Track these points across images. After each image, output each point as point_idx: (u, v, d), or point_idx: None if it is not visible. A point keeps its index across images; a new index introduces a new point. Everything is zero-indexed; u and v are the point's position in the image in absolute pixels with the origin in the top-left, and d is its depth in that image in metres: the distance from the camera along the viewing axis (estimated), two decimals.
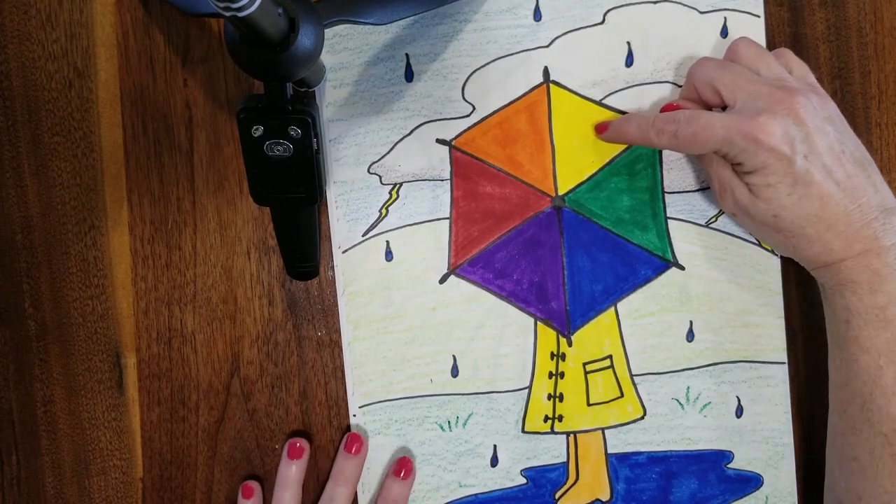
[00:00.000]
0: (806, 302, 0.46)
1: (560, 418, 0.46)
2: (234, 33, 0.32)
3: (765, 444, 0.46)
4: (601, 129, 0.44)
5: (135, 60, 0.46)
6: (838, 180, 0.37)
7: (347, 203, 0.46)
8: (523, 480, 0.47)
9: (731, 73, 0.39)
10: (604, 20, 0.45)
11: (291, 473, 0.45)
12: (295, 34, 0.32)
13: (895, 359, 0.37)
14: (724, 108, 0.40)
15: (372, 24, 0.39)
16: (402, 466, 0.45)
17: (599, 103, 0.45)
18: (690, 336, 0.46)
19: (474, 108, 0.45)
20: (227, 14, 0.27)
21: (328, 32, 0.39)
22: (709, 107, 0.41)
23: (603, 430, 0.46)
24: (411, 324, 0.46)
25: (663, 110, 0.42)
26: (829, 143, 0.37)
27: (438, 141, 0.46)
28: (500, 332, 0.46)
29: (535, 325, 0.46)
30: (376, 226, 0.46)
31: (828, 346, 0.41)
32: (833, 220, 0.37)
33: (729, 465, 0.46)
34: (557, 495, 0.46)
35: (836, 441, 0.40)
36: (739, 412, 0.46)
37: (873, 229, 0.37)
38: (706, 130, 0.38)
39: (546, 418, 0.46)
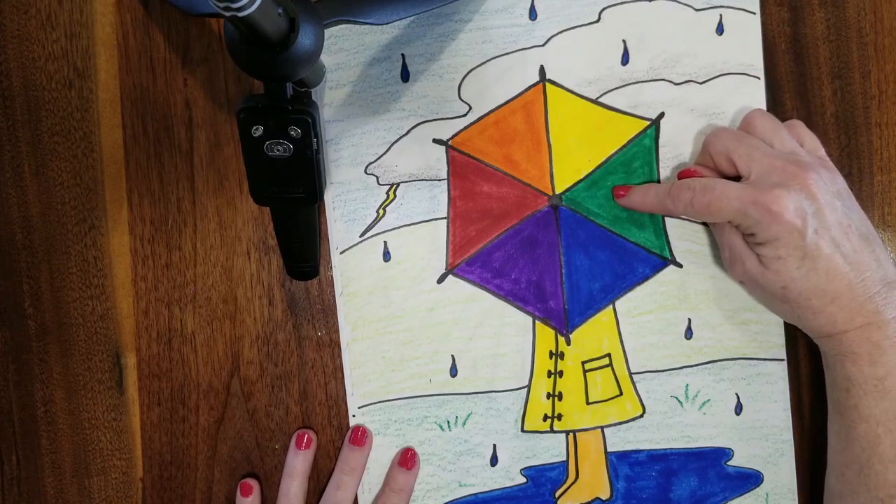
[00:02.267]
0: None
1: (559, 417, 0.46)
2: (234, 33, 0.32)
3: (764, 442, 0.46)
4: (620, 193, 0.45)
5: (135, 60, 0.46)
6: (845, 254, 0.38)
7: (345, 204, 0.46)
8: (523, 479, 0.47)
9: (746, 146, 0.41)
10: (599, 18, 0.45)
11: (298, 463, 0.46)
12: (295, 34, 0.33)
13: (892, 427, 0.38)
14: (738, 177, 0.41)
15: (372, 24, 0.39)
16: (407, 456, 0.46)
17: (595, 101, 0.45)
18: (689, 333, 0.46)
19: (470, 108, 0.45)
20: (227, 14, 0.27)
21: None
22: (724, 175, 0.42)
23: (602, 428, 0.46)
24: (410, 324, 0.46)
25: (680, 175, 0.43)
26: (837, 217, 0.39)
27: (435, 141, 0.46)
28: (499, 332, 0.46)
29: (534, 324, 0.46)
30: (374, 226, 0.46)
31: (828, 408, 0.42)
32: (838, 294, 0.39)
33: (729, 463, 0.46)
34: (557, 494, 0.46)
35: (834, 502, 0.41)
36: (739, 409, 0.46)
37: (875, 303, 0.38)
38: (721, 201, 0.39)
39: (545, 417, 0.46)
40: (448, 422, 0.46)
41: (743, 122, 0.43)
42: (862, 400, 0.39)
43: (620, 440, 0.46)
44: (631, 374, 0.46)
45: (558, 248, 0.46)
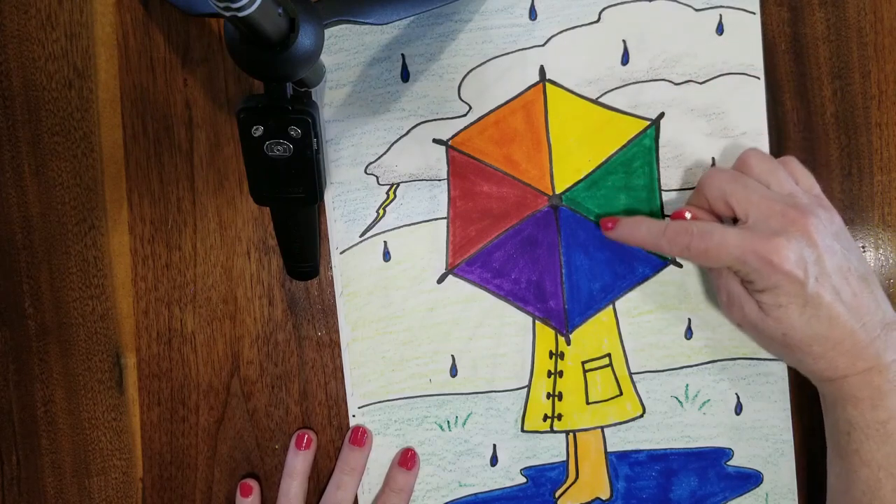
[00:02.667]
0: None
1: (559, 417, 0.46)
2: (234, 33, 0.32)
3: (764, 441, 0.46)
4: (608, 226, 0.43)
5: (135, 60, 0.46)
6: (845, 300, 0.38)
7: (345, 204, 0.46)
8: (523, 479, 0.47)
9: (742, 188, 0.40)
10: (599, 18, 0.45)
11: (298, 464, 0.46)
12: (295, 34, 0.33)
13: (894, 472, 0.38)
14: (734, 219, 0.40)
15: (372, 24, 0.39)
16: (406, 456, 0.46)
17: (595, 102, 0.45)
18: (689, 333, 0.46)
19: (470, 108, 0.45)
20: (227, 14, 0.27)
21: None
22: (720, 217, 0.41)
23: (602, 428, 0.46)
24: (410, 324, 0.46)
25: (673, 216, 0.42)
26: (837, 262, 0.38)
27: (435, 141, 0.46)
28: (499, 332, 0.46)
29: (534, 324, 0.46)
30: (374, 226, 0.46)
31: (828, 450, 0.42)
32: (839, 340, 0.38)
33: (729, 463, 0.46)
34: (557, 494, 0.46)
35: None
36: (739, 409, 0.46)
37: (876, 347, 0.38)
38: (719, 248, 0.39)
39: (545, 417, 0.46)
40: (448, 422, 0.46)
41: (738, 162, 0.42)
42: (863, 444, 0.39)
43: (620, 440, 0.46)
44: (631, 374, 0.46)
45: (558, 248, 0.46)
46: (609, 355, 0.46)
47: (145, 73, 0.46)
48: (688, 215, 0.41)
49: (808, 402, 0.46)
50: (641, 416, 0.46)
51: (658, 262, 0.46)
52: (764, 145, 0.45)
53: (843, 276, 0.38)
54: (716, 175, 0.41)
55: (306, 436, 0.46)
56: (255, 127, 0.36)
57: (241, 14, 0.27)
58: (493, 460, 0.46)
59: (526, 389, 0.46)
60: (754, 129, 0.45)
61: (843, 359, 0.38)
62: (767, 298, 0.39)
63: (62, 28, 0.46)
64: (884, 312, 0.39)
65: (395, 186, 0.46)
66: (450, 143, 0.46)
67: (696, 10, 0.45)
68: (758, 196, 0.39)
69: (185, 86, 0.46)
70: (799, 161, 0.42)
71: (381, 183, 0.46)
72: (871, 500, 0.38)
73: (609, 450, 0.46)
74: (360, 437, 0.46)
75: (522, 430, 0.46)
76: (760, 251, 0.37)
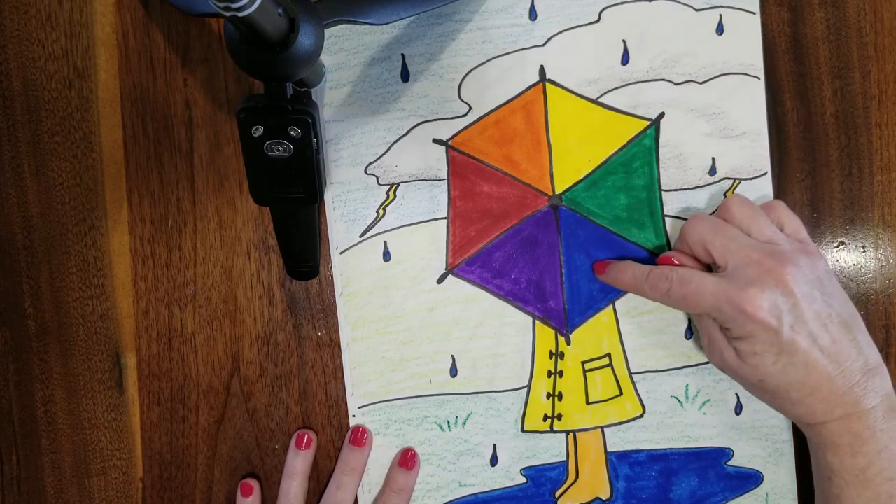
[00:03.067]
0: None
1: (559, 417, 0.46)
2: (234, 33, 0.32)
3: (764, 441, 0.46)
4: (599, 270, 0.45)
5: (135, 60, 0.46)
6: (823, 347, 0.38)
7: (345, 204, 0.46)
8: (523, 479, 0.47)
9: (722, 237, 0.40)
10: (599, 18, 0.45)
11: (298, 464, 0.46)
12: (295, 34, 0.33)
13: None
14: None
15: (372, 24, 0.39)
16: (406, 457, 0.46)
17: (595, 102, 0.45)
18: (689, 333, 0.46)
19: (471, 108, 0.45)
20: (227, 14, 0.27)
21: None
22: (702, 263, 0.42)
23: (602, 428, 0.46)
24: (410, 324, 0.46)
25: (659, 262, 0.43)
26: (816, 309, 0.38)
27: (435, 141, 0.46)
28: (499, 332, 0.46)
29: (534, 324, 0.46)
30: (374, 226, 0.46)
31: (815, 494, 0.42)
32: (817, 387, 0.38)
33: (728, 463, 0.46)
34: (557, 494, 0.46)
35: None
36: (739, 409, 0.46)
37: (855, 394, 0.38)
38: (697, 295, 0.39)
39: (545, 417, 0.46)
40: (448, 422, 0.46)
41: (720, 209, 0.43)
42: (844, 491, 0.39)
43: (620, 440, 0.46)
44: (631, 374, 0.46)
45: (558, 248, 0.46)
46: (609, 355, 0.46)
47: (145, 73, 0.46)
48: (675, 261, 0.42)
49: None
50: (641, 416, 0.46)
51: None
52: (764, 145, 0.45)
53: (821, 323, 0.38)
54: (697, 223, 0.42)
55: (306, 436, 0.46)
56: (255, 127, 0.36)
57: (241, 14, 0.27)
58: (493, 460, 0.46)
59: (526, 389, 0.46)
60: (754, 129, 0.45)
61: (820, 405, 0.39)
62: (743, 346, 0.39)
63: (62, 28, 0.46)
64: (866, 358, 0.39)
65: (395, 186, 0.46)
66: (450, 143, 0.46)
67: (696, 10, 0.45)
68: (736, 245, 0.40)
69: (185, 86, 0.46)
70: (786, 205, 0.43)
71: (381, 183, 0.46)
72: None
73: (609, 450, 0.46)
74: (360, 437, 0.46)
75: (522, 430, 0.46)
76: (735, 300, 0.38)
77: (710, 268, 0.42)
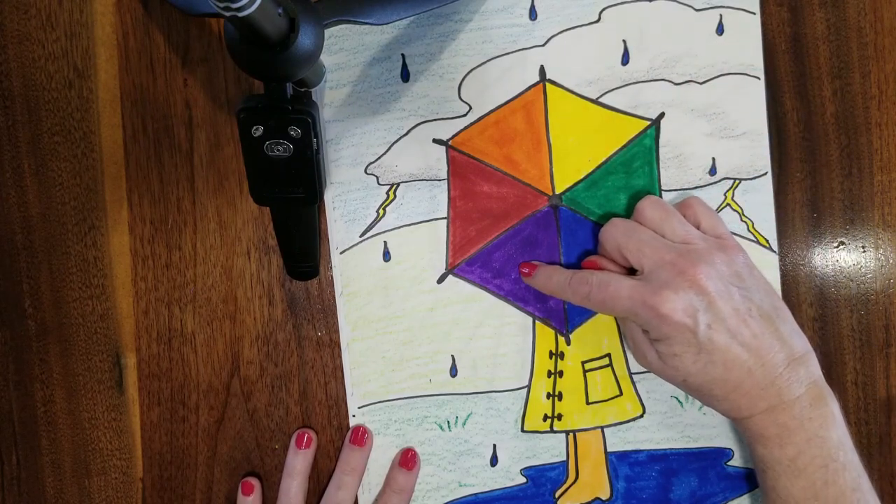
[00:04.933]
0: (806, 301, 0.46)
1: (559, 417, 0.46)
2: (234, 33, 0.32)
3: None
4: (524, 272, 0.45)
5: (135, 60, 0.46)
6: (743, 342, 0.38)
7: (345, 204, 0.46)
8: (523, 480, 0.47)
9: (635, 240, 0.41)
10: (599, 18, 0.45)
11: (298, 463, 0.46)
12: (295, 34, 0.33)
13: None
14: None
15: (372, 24, 0.39)
16: (407, 457, 0.46)
17: (596, 102, 0.45)
18: None
19: (471, 108, 0.45)
20: (227, 14, 0.27)
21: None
22: (624, 267, 0.42)
23: (602, 428, 0.46)
24: (410, 324, 0.46)
25: (584, 265, 0.44)
26: (733, 305, 0.38)
27: (435, 141, 0.46)
28: (499, 332, 0.46)
29: (534, 323, 0.46)
30: (374, 226, 0.46)
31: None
32: (738, 382, 0.39)
33: (729, 463, 0.46)
34: (557, 494, 0.46)
35: None
36: None
37: (777, 386, 0.38)
38: (614, 299, 0.40)
39: (545, 417, 0.46)
40: (448, 422, 0.46)
41: (635, 212, 0.43)
42: (778, 482, 0.39)
43: (620, 440, 0.46)
44: (631, 374, 0.46)
45: (558, 248, 0.46)
46: (609, 355, 0.46)
47: (145, 73, 0.46)
48: (598, 265, 0.43)
49: None
50: (641, 416, 0.46)
51: None
52: (764, 145, 0.45)
53: (740, 319, 0.38)
54: (611, 228, 0.42)
55: (306, 435, 0.46)
56: (255, 127, 0.36)
57: (241, 14, 0.27)
58: (493, 460, 0.46)
59: (526, 389, 0.46)
60: (754, 129, 0.45)
61: (744, 400, 0.39)
62: (663, 348, 0.40)
63: (62, 28, 0.46)
64: (790, 348, 0.39)
65: (395, 186, 0.46)
66: (450, 143, 0.46)
67: (696, 10, 0.45)
68: (649, 247, 0.40)
69: (185, 86, 0.46)
70: (703, 201, 0.43)
71: (381, 183, 0.46)
72: None
73: (609, 450, 0.46)
74: (361, 437, 0.46)
75: (522, 430, 0.46)
76: (649, 303, 0.38)
77: (634, 271, 0.42)
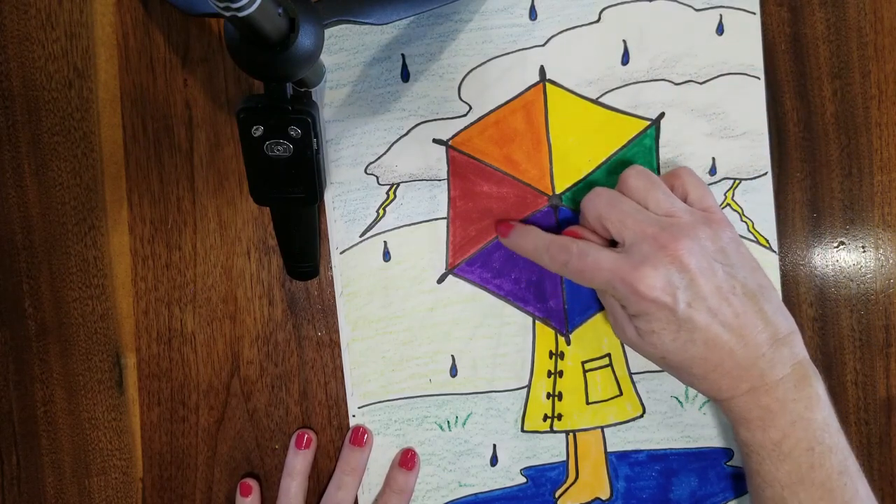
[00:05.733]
0: (806, 301, 0.46)
1: (559, 417, 0.46)
2: (234, 33, 0.32)
3: None
4: (503, 232, 0.44)
5: (135, 60, 0.46)
6: (725, 321, 0.37)
7: (345, 204, 0.46)
8: (523, 479, 0.47)
9: (617, 211, 0.39)
10: (599, 18, 0.45)
11: (298, 463, 0.46)
12: (295, 34, 0.33)
13: (797, 490, 0.37)
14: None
15: (372, 24, 0.39)
16: (407, 457, 0.46)
17: (596, 102, 0.45)
18: None
19: (471, 108, 0.45)
20: (227, 14, 0.27)
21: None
22: (605, 238, 0.41)
23: (602, 428, 0.46)
24: (410, 324, 0.46)
25: (565, 233, 0.42)
26: (716, 283, 0.37)
27: (435, 141, 0.46)
28: (499, 332, 0.46)
29: (534, 324, 0.46)
30: (374, 226, 0.46)
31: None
32: (719, 362, 0.37)
33: (728, 463, 0.46)
34: (557, 494, 0.46)
35: None
36: None
37: (760, 367, 0.37)
38: (593, 271, 0.39)
39: (545, 417, 0.46)
40: (448, 422, 0.46)
41: (619, 181, 0.41)
42: (763, 465, 0.38)
43: (620, 440, 0.46)
44: (631, 374, 0.46)
45: None
46: (609, 355, 0.46)
47: (145, 73, 0.46)
48: (580, 234, 0.41)
49: None
50: (641, 416, 0.46)
51: None
52: (764, 145, 0.45)
53: (722, 297, 0.37)
54: (594, 198, 0.41)
55: (306, 435, 0.46)
56: (255, 127, 0.36)
57: (241, 14, 0.27)
58: (493, 460, 0.46)
59: (526, 389, 0.46)
60: (754, 129, 0.45)
61: (725, 380, 0.38)
62: (641, 324, 0.39)
63: (62, 28, 0.46)
64: (774, 328, 0.38)
65: (395, 186, 0.46)
66: (450, 143, 0.46)
67: (696, 10, 0.45)
68: (632, 219, 0.39)
69: (185, 86, 0.46)
70: (692, 171, 0.42)
71: (381, 183, 0.46)
72: None
73: (609, 450, 0.46)
74: (361, 437, 0.46)
75: (522, 430, 0.46)
76: (628, 279, 0.37)
77: (615, 243, 0.41)
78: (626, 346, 0.46)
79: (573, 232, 0.42)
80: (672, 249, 0.37)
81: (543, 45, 0.45)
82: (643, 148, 0.45)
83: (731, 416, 0.39)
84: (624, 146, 0.45)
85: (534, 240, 0.42)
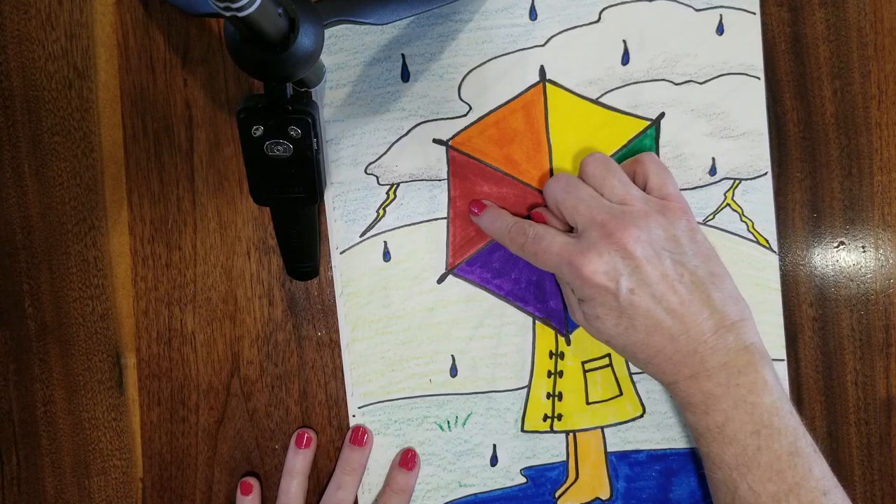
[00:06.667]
0: (806, 301, 0.46)
1: (559, 417, 0.46)
2: (234, 33, 0.32)
3: None
4: (475, 211, 0.44)
5: (135, 60, 0.46)
6: (669, 308, 0.38)
7: (345, 204, 0.46)
8: (523, 480, 0.47)
9: (573, 198, 0.40)
10: (599, 18, 0.45)
11: (298, 463, 0.46)
12: (295, 34, 0.33)
13: (745, 472, 0.38)
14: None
15: (372, 24, 0.39)
16: (407, 457, 0.46)
17: (596, 102, 0.45)
18: None
19: (471, 108, 0.45)
20: (227, 14, 0.27)
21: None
22: (565, 222, 0.42)
23: (602, 428, 0.46)
24: (410, 324, 0.46)
25: (532, 216, 0.43)
26: (662, 271, 0.38)
27: (435, 141, 0.46)
28: (499, 332, 0.46)
29: (534, 324, 0.46)
30: (374, 226, 0.46)
31: None
32: (660, 347, 0.38)
33: None
34: (557, 494, 0.46)
35: None
36: None
37: (700, 354, 0.38)
38: (544, 254, 0.40)
39: (545, 417, 0.46)
40: (448, 422, 0.46)
41: (580, 168, 0.43)
42: (710, 448, 0.39)
43: (620, 440, 0.46)
44: (631, 374, 0.46)
45: None
46: (609, 355, 0.46)
47: (145, 73, 0.46)
48: (543, 217, 0.43)
49: (808, 403, 0.46)
50: (641, 416, 0.46)
51: None
52: (764, 145, 0.45)
53: (668, 285, 0.38)
54: (553, 182, 0.42)
55: (306, 435, 0.46)
56: (255, 127, 0.36)
57: (241, 14, 0.27)
58: (493, 460, 0.46)
59: (526, 389, 0.46)
60: (754, 129, 0.45)
61: (667, 365, 0.39)
62: (587, 308, 0.40)
63: (62, 28, 0.46)
64: (721, 316, 0.38)
65: (395, 186, 0.46)
66: (450, 143, 0.46)
67: (696, 10, 0.45)
68: (585, 205, 0.40)
69: (185, 86, 0.46)
70: (655, 157, 0.42)
71: (381, 183, 0.46)
72: (733, 500, 0.38)
73: (609, 450, 0.46)
74: (361, 437, 0.46)
75: (522, 430, 0.46)
76: (574, 263, 0.38)
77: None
78: None
79: (538, 215, 0.43)
80: (618, 237, 0.38)
81: (543, 45, 0.45)
82: (643, 148, 0.45)
83: (678, 399, 0.40)
84: (624, 146, 0.45)
85: (500, 223, 0.43)
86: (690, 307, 0.38)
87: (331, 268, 0.46)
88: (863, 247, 0.46)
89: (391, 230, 0.46)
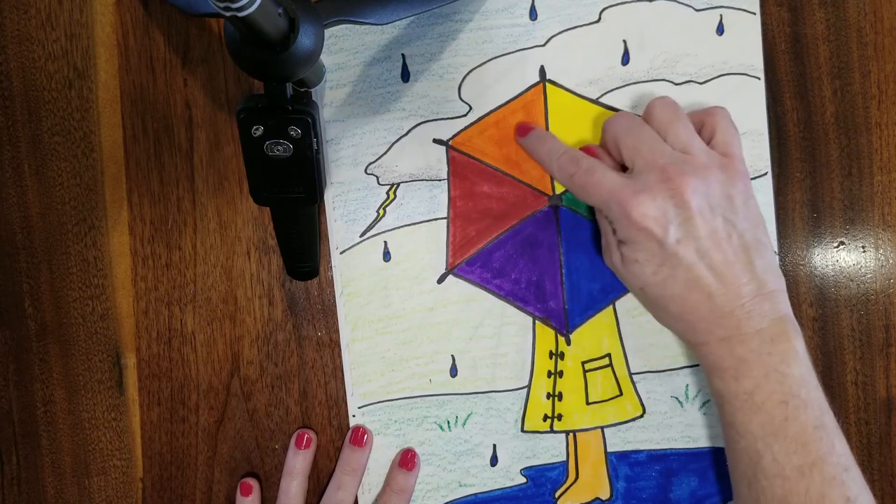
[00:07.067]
0: (806, 301, 0.46)
1: (559, 417, 0.46)
2: (234, 33, 0.32)
3: None
4: (521, 133, 0.43)
5: (135, 60, 0.46)
6: (713, 265, 0.37)
7: (345, 204, 0.46)
8: (523, 480, 0.47)
9: (634, 137, 0.39)
10: (599, 18, 0.45)
11: (298, 463, 0.46)
12: (295, 34, 0.33)
13: (771, 442, 0.37)
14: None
15: (372, 24, 0.39)
16: (407, 457, 0.46)
17: (596, 102, 0.45)
18: None
19: (471, 108, 0.45)
20: (227, 14, 0.27)
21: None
22: (618, 161, 0.41)
23: (602, 428, 0.46)
24: (410, 324, 0.46)
25: (583, 149, 0.42)
26: (712, 227, 0.37)
27: (435, 141, 0.46)
28: (499, 332, 0.46)
29: (534, 324, 0.46)
30: (374, 226, 0.46)
31: None
32: (696, 304, 0.37)
33: None
34: (557, 494, 0.46)
35: None
36: None
37: (737, 317, 0.37)
38: (595, 187, 0.39)
39: (545, 417, 0.46)
40: (448, 422, 0.46)
41: (645, 109, 0.41)
42: (736, 416, 0.38)
43: (620, 440, 0.46)
44: (631, 374, 0.46)
45: (558, 248, 0.46)
46: (609, 355, 0.46)
47: (145, 73, 0.46)
48: (595, 153, 0.41)
49: None
50: (641, 416, 0.46)
51: None
52: (764, 145, 0.45)
53: (715, 241, 0.37)
54: (616, 120, 0.41)
55: (306, 435, 0.46)
56: (255, 127, 0.36)
57: (241, 14, 0.27)
58: (493, 460, 0.46)
59: (526, 389, 0.46)
60: (754, 129, 0.45)
61: (700, 324, 0.38)
62: (626, 251, 0.39)
63: (62, 28, 0.46)
64: (760, 283, 0.37)
65: (395, 186, 0.46)
66: (450, 143, 0.46)
67: (697, 10, 0.45)
68: (646, 147, 0.38)
69: (185, 86, 0.46)
70: (728, 114, 0.41)
71: (381, 183, 0.46)
72: (755, 472, 0.37)
73: (609, 450, 0.46)
74: (361, 437, 0.46)
75: (522, 431, 0.46)
76: (624, 202, 0.37)
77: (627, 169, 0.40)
78: (626, 347, 0.46)
79: (590, 149, 0.42)
80: (676, 184, 0.37)
81: (544, 45, 0.45)
82: None
83: (705, 363, 0.39)
84: None
85: (549, 146, 0.42)
86: (733, 268, 0.37)
87: (331, 268, 0.46)
88: (863, 247, 0.46)
89: (391, 230, 0.46)
